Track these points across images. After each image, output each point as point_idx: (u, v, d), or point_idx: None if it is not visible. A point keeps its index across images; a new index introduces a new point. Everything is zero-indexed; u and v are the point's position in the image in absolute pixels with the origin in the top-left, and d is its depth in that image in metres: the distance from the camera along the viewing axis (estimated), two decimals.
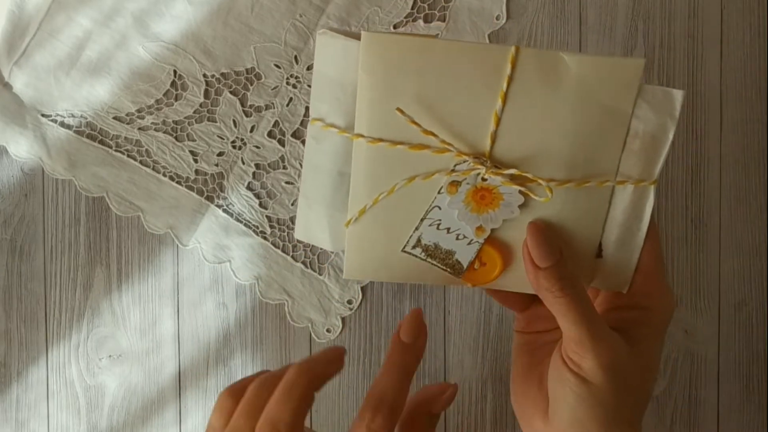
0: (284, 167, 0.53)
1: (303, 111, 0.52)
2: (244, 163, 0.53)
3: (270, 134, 0.53)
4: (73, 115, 0.53)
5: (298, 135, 0.52)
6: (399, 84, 0.30)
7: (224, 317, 0.53)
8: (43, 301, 0.54)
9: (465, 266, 0.32)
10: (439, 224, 0.32)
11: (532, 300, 0.36)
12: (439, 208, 0.31)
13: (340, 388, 0.53)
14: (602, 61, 0.30)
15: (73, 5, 0.52)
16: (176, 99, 0.53)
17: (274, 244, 0.53)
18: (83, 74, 0.52)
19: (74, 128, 0.53)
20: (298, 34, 0.52)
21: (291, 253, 0.53)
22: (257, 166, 0.53)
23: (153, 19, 0.52)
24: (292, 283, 0.53)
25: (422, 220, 0.32)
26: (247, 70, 0.52)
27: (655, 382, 0.33)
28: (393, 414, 0.29)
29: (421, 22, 0.52)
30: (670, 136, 0.31)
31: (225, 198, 0.53)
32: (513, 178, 0.31)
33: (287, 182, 0.53)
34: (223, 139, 0.53)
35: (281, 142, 0.53)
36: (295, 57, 0.52)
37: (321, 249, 0.52)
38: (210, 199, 0.53)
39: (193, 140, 0.53)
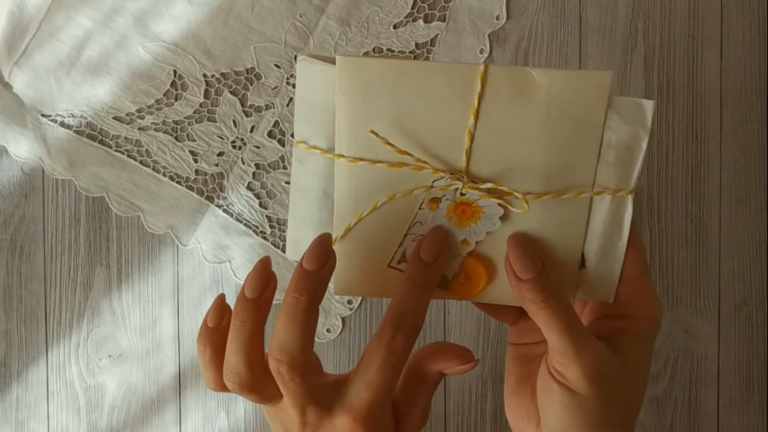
0: (284, 167, 0.53)
1: None
2: (244, 163, 0.53)
3: (270, 134, 0.53)
4: (73, 115, 0.53)
5: None
6: (375, 105, 0.31)
7: None
8: (43, 301, 0.54)
9: (450, 279, 0.33)
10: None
11: (522, 312, 0.36)
12: (421, 224, 0.32)
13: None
14: (570, 75, 0.30)
15: (73, 5, 0.52)
16: (176, 99, 0.53)
17: (274, 244, 0.53)
18: (83, 74, 0.52)
19: (74, 128, 0.53)
20: (298, 34, 0.52)
21: None
22: (257, 166, 0.53)
23: (153, 19, 0.52)
24: None
25: (405, 235, 0.32)
26: (247, 70, 0.52)
27: (646, 388, 0.33)
28: (413, 334, 0.29)
29: (421, 22, 0.52)
30: (644, 146, 0.31)
31: (225, 198, 0.53)
32: (490, 192, 0.31)
33: (287, 182, 0.53)
34: (223, 139, 0.53)
35: (281, 142, 0.53)
36: (295, 57, 0.52)
37: None
38: (210, 199, 0.53)
39: (193, 140, 0.53)
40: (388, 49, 0.52)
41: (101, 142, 0.53)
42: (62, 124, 0.53)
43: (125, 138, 0.53)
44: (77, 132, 0.53)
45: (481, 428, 0.53)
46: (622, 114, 0.31)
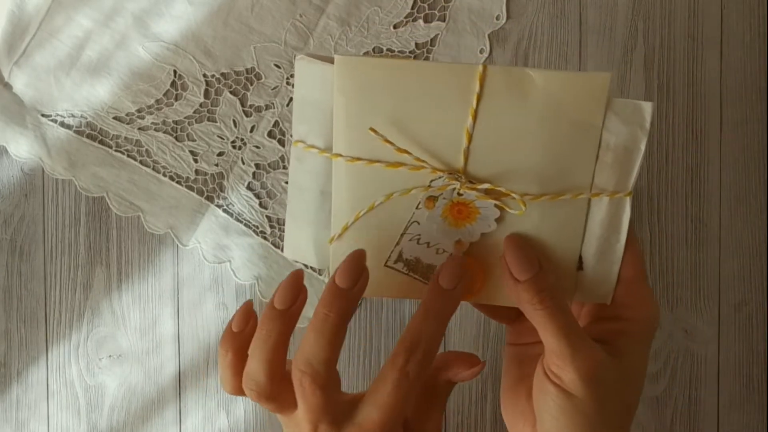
0: (284, 167, 0.53)
1: None
2: (244, 163, 0.53)
3: (270, 134, 0.53)
4: (73, 115, 0.53)
5: None
6: (373, 104, 0.31)
7: (224, 317, 0.53)
8: (43, 301, 0.54)
9: None
10: (419, 239, 0.33)
11: (520, 312, 0.36)
12: (418, 223, 0.32)
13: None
14: (569, 77, 0.30)
15: (73, 5, 0.52)
16: (176, 99, 0.53)
17: (274, 244, 0.53)
18: (83, 74, 0.52)
19: (74, 128, 0.53)
20: (298, 34, 0.52)
21: None
22: (257, 166, 0.53)
23: (153, 19, 0.52)
24: None
25: (402, 235, 0.32)
26: (247, 70, 0.52)
27: (642, 390, 0.33)
28: (427, 360, 0.29)
29: (421, 22, 0.52)
30: (642, 148, 0.31)
31: (225, 198, 0.53)
32: (487, 193, 0.31)
33: (287, 182, 0.53)
34: (223, 139, 0.53)
35: (281, 142, 0.53)
36: (295, 57, 0.52)
37: None
38: (210, 199, 0.53)
39: (193, 140, 0.53)
40: (388, 49, 0.52)
41: (101, 142, 0.53)
42: (62, 124, 0.53)
43: (125, 138, 0.53)
44: (77, 132, 0.53)
45: (481, 428, 0.53)
46: (621, 116, 0.31)
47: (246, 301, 0.32)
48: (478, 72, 0.30)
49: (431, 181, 0.31)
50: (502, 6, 0.52)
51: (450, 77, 0.30)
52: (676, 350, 0.53)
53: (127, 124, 0.53)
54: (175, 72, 0.52)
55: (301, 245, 0.34)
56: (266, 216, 0.53)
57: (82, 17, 0.52)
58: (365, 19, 0.52)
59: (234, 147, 0.53)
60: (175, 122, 0.53)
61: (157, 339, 0.54)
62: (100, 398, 0.54)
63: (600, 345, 0.31)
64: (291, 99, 0.52)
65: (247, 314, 0.31)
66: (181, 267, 0.53)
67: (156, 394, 0.54)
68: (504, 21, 0.52)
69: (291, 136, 0.52)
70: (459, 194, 0.32)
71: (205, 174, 0.53)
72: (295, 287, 0.30)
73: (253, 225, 0.53)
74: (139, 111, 0.53)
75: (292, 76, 0.52)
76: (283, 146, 0.53)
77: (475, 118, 0.31)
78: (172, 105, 0.53)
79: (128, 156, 0.53)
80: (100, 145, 0.53)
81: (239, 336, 0.31)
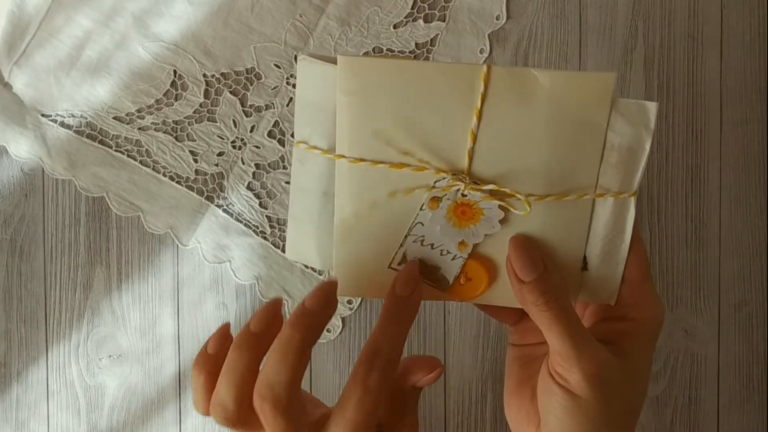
0: (284, 167, 0.53)
1: None
2: (244, 163, 0.53)
3: (270, 134, 0.53)
4: (73, 115, 0.53)
5: None
6: (376, 105, 0.31)
7: (224, 317, 0.53)
8: (43, 301, 0.54)
9: (450, 281, 0.33)
10: (422, 240, 0.32)
11: (523, 313, 0.36)
12: (422, 225, 0.32)
13: (340, 388, 0.53)
14: (573, 77, 0.30)
15: (73, 5, 0.52)
16: (176, 99, 0.53)
17: (274, 244, 0.53)
18: (83, 74, 0.52)
19: (74, 128, 0.53)
20: (298, 34, 0.52)
21: None
22: (257, 166, 0.53)
23: (153, 19, 0.52)
24: (292, 283, 0.53)
25: (406, 236, 0.32)
26: (247, 70, 0.52)
27: (646, 391, 0.33)
28: (389, 369, 0.29)
29: (421, 22, 0.52)
30: (647, 148, 0.31)
31: (225, 198, 0.53)
32: (492, 194, 0.31)
33: (287, 182, 0.53)
34: (223, 139, 0.53)
35: (281, 142, 0.53)
36: (295, 57, 0.52)
37: None
38: (210, 199, 0.53)
39: (193, 140, 0.53)
40: (388, 49, 0.52)
41: (101, 142, 0.53)
42: (62, 124, 0.53)
43: (125, 138, 0.53)
44: (77, 132, 0.53)
45: (481, 428, 0.53)
46: (626, 116, 0.31)
47: (223, 323, 0.32)
48: (482, 72, 0.30)
49: (435, 181, 0.31)
50: (502, 6, 0.52)
51: (454, 77, 0.30)
52: (676, 350, 0.53)
53: (127, 124, 0.53)
54: (175, 72, 0.52)
55: (303, 247, 0.34)
56: (266, 216, 0.53)
57: (82, 17, 0.52)
58: (365, 19, 0.52)
59: (234, 147, 0.53)
60: (175, 122, 0.53)
61: (157, 339, 0.54)
62: (100, 398, 0.54)
63: (605, 345, 0.31)
64: (291, 99, 0.52)
65: (224, 337, 0.31)
66: (181, 267, 0.53)
67: (156, 394, 0.54)
68: (504, 21, 0.52)
69: (292, 136, 0.52)
70: (463, 195, 0.31)
71: (205, 174, 0.53)
72: (273, 314, 0.30)
73: (253, 225, 0.53)
74: (139, 111, 0.53)
75: (292, 76, 0.52)
76: (283, 146, 0.53)
77: (479, 118, 0.31)
78: (172, 105, 0.53)
79: (128, 156, 0.53)
80: (100, 145, 0.53)
81: (213, 358, 0.30)
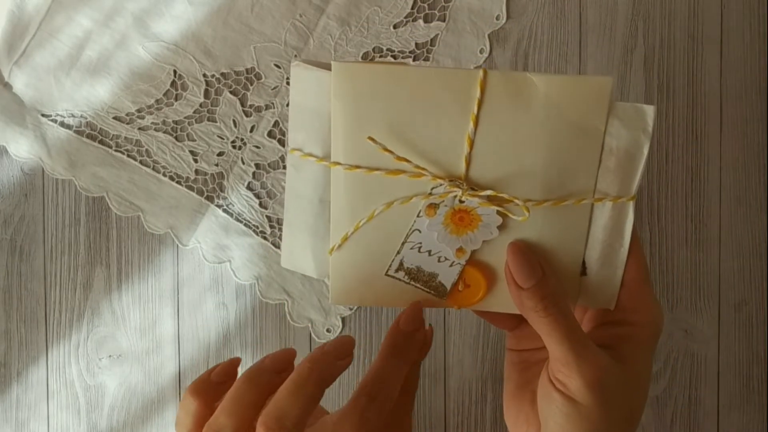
0: (284, 167, 0.53)
1: None
2: (244, 163, 0.53)
3: (270, 134, 0.53)
4: (73, 115, 0.53)
5: None
6: (371, 111, 0.30)
7: (224, 317, 0.53)
8: (43, 301, 0.54)
9: (448, 288, 0.33)
10: (420, 247, 0.32)
11: (521, 318, 0.36)
12: (419, 231, 0.32)
13: (340, 388, 0.53)
14: (570, 81, 0.30)
15: (73, 5, 0.52)
16: (176, 99, 0.53)
17: (274, 244, 0.53)
18: (83, 74, 0.52)
19: (74, 128, 0.53)
20: (298, 34, 0.52)
21: None
22: (257, 166, 0.53)
23: (153, 19, 0.52)
24: (292, 283, 0.53)
25: (403, 243, 0.32)
26: (247, 70, 0.52)
27: (647, 396, 0.33)
28: (387, 402, 0.29)
29: (421, 22, 0.52)
30: (645, 152, 0.31)
31: (225, 198, 0.53)
32: (490, 199, 0.31)
33: None
34: (223, 139, 0.53)
35: (281, 142, 0.53)
36: (295, 57, 0.52)
37: None
38: (210, 199, 0.53)
39: (193, 140, 0.53)
40: (388, 49, 0.52)
41: (101, 142, 0.53)
42: (62, 124, 0.53)
43: (125, 138, 0.53)
44: (77, 132, 0.53)
45: (481, 428, 0.53)
46: (623, 120, 0.31)
47: (234, 357, 0.32)
48: (479, 77, 0.30)
49: (432, 188, 0.31)
50: (502, 6, 0.52)
51: (450, 83, 0.30)
52: (676, 350, 0.53)
53: (127, 124, 0.53)
54: (175, 72, 0.52)
55: (299, 255, 0.34)
56: (266, 216, 0.53)
57: (82, 17, 0.52)
58: (365, 19, 0.52)
59: (234, 147, 0.53)
60: (175, 122, 0.53)
61: (157, 339, 0.54)
62: (100, 398, 0.54)
63: (604, 350, 0.31)
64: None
65: (232, 369, 0.31)
66: (181, 267, 0.53)
67: (156, 394, 0.54)
68: (504, 21, 0.52)
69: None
70: (461, 201, 0.31)
71: (205, 174, 0.53)
72: (289, 359, 0.30)
73: (253, 225, 0.53)
74: (139, 111, 0.53)
75: None
76: (283, 146, 0.53)
77: (476, 123, 0.30)
78: (172, 105, 0.53)
79: (128, 156, 0.53)
80: (100, 145, 0.53)
81: (214, 387, 0.30)
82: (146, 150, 0.53)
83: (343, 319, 0.53)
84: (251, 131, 0.53)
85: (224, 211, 0.53)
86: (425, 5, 0.52)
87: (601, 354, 0.30)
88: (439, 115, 0.30)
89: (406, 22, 0.52)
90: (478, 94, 0.30)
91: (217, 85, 0.53)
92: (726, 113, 0.52)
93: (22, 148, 0.53)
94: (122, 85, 0.52)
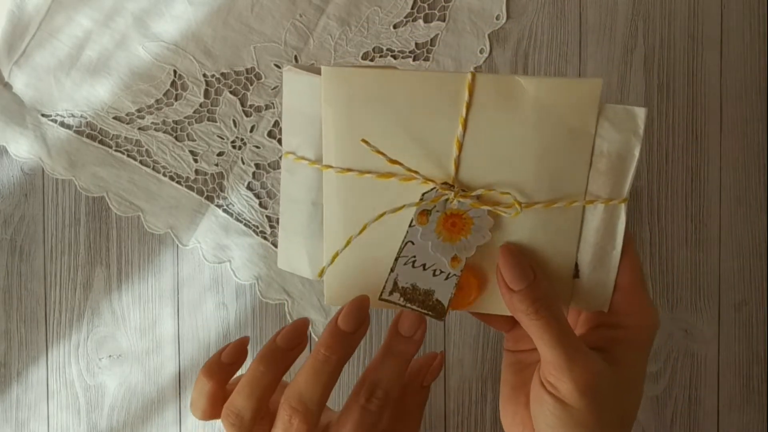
0: None
1: None
2: (244, 163, 0.53)
3: (270, 134, 0.53)
4: (73, 115, 0.53)
5: None
6: (362, 115, 0.31)
7: (224, 317, 0.53)
8: (43, 301, 0.54)
9: (446, 305, 0.32)
10: (414, 261, 0.32)
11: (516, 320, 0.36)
12: (413, 243, 0.32)
13: (340, 388, 0.53)
14: (559, 83, 0.30)
15: (73, 5, 0.52)
16: (176, 99, 0.53)
17: (274, 244, 0.53)
18: (83, 74, 0.52)
19: (74, 128, 0.53)
20: (298, 34, 0.52)
21: None
22: (257, 166, 0.53)
23: (153, 19, 0.52)
24: (292, 283, 0.53)
25: (397, 259, 0.32)
26: (247, 70, 0.52)
27: (641, 397, 0.33)
28: (388, 399, 0.29)
29: (421, 21, 0.52)
30: (636, 154, 0.31)
31: (225, 198, 0.53)
32: (481, 199, 0.31)
33: None
34: (223, 139, 0.53)
35: (281, 142, 0.53)
36: (295, 57, 0.52)
37: None
38: (210, 199, 0.53)
39: (193, 140, 0.53)
40: (388, 49, 0.52)
41: (101, 142, 0.53)
42: (62, 124, 0.53)
43: (125, 138, 0.53)
44: (77, 132, 0.53)
45: (481, 428, 0.53)
46: (614, 122, 0.30)
47: (242, 337, 0.32)
48: (467, 80, 0.30)
49: (423, 194, 0.31)
50: (502, 6, 0.52)
51: (439, 86, 0.30)
52: (676, 350, 0.53)
53: (127, 124, 0.53)
54: (175, 72, 0.52)
55: (295, 257, 0.34)
56: (266, 216, 0.53)
57: (82, 17, 0.52)
58: (365, 19, 0.52)
59: (234, 147, 0.53)
60: (175, 122, 0.53)
61: (157, 339, 0.54)
62: (100, 398, 0.54)
63: (597, 353, 0.31)
64: None
65: (241, 349, 0.32)
66: (181, 267, 0.53)
67: (156, 394, 0.54)
68: (504, 21, 0.52)
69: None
70: (452, 205, 0.31)
71: (205, 174, 0.53)
72: (300, 332, 0.31)
73: (253, 225, 0.53)
74: (139, 111, 0.53)
75: None
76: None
77: (465, 127, 0.30)
78: (172, 105, 0.53)
79: (128, 156, 0.53)
80: (100, 145, 0.53)
81: (226, 367, 0.31)
82: (146, 150, 0.53)
83: None
84: (251, 131, 0.53)
85: (224, 211, 0.53)
86: (425, 5, 0.52)
87: (593, 357, 0.30)
88: (428, 118, 0.30)
89: (406, 22, 0.52)
90: (466, 97, 0.30)
91: (217, 85, 0.53)
92: (726, 113, 0.52)
93: (22, 148, 0.53)
94: (122, 85, 0.52)
